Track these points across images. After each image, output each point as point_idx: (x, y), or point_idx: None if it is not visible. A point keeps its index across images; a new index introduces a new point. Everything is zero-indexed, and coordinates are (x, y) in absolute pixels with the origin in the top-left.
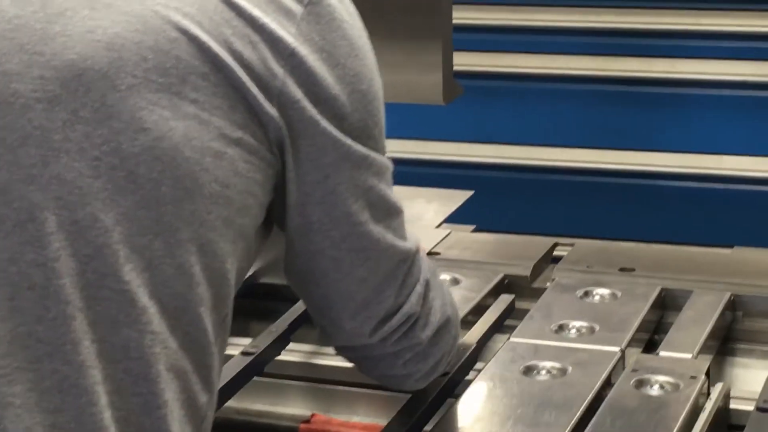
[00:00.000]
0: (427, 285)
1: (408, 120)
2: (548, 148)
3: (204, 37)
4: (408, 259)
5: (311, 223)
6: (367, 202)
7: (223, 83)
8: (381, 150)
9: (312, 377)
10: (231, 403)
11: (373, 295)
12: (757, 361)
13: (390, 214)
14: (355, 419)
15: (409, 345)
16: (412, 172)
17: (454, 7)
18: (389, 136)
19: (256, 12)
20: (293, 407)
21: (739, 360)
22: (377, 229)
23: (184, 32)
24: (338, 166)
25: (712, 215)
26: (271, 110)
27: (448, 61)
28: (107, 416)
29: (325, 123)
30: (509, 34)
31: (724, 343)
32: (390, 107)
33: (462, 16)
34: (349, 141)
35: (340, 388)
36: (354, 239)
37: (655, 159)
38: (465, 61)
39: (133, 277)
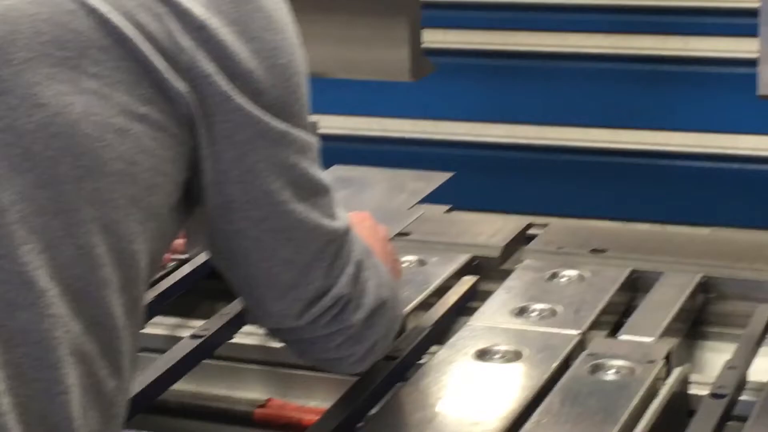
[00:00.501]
0: (359, 266)
1: (404, 98)
2: (562, 127)
3: (104, 8)
4: (337, 240)
5: (230, 202)
6: (289, 180)
7: (126, 57)
8: (304, 126)
9: (268, 361)
10: (185, 386)
11: (299, 276)
12: (728, 345)
13: (316, 192)
14: (312, 404)
15: (340, 328)
16: (400, 151)
17: None
18: (374, 114)
19: None
20: (249, 391)
21: (710, 344)
22: (300, 208)
23: (83, 4)
24: (255, 143)
25: (728, 195)
26: (179, 85)
27: (415, 38)
28: (6, 402)
29: (240, 98)
30: (521, 11)
31: (695, 326)
32: (374, 86)
33: None
34: (267, 117)
35: (297, 372)
36: (275, 219)
37: (670, 138)
38: (468, 39)
39: (31, 259)
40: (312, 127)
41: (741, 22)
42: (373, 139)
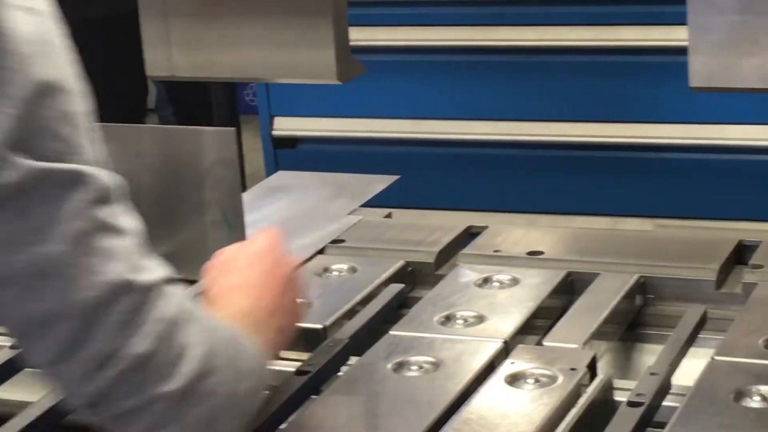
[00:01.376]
0: (173, 325)
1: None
2: (546, 122)
3: None
4: (131, 292)
5: None
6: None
7: None
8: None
9: None
10: None
11: (75, 331)
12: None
13: (102, 234)
14: None
15: (145, 401)
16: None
17: None
18: (344, 115)
19: None
20: None
21: (648, 347)
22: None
23: None
24: None
25: (717, 187)
26: None
27: (342, 38)
28: None
29: None
30: (500, 5)
31: (633, 328)
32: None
33: None
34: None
35: None
36: (24, 263)
37: (657, 131)
38: (450, 36)
39: None
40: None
41: None
42: (355, 141)
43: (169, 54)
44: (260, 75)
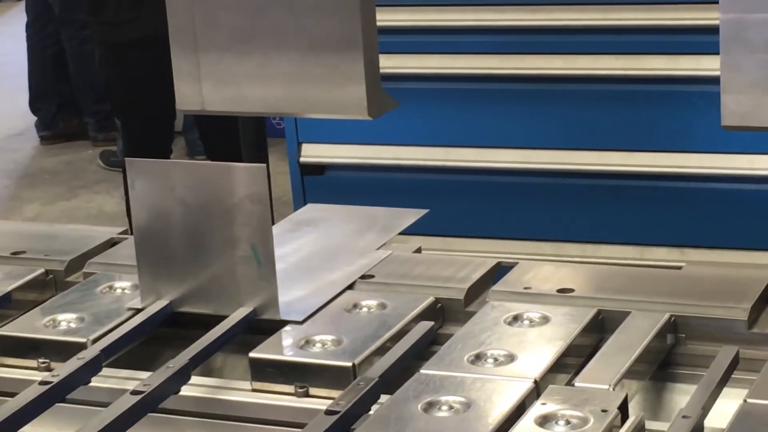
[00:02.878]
0: None
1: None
2: (576, 151)
3: None
4: None
5: None
6: None
7: None
8: None
9: (212, 413)
10: None
11: None
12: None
13: None
14: None
15: None
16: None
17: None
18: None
19: None
20: None
21: (680, 386)
22: None
23: None
24: None
25: (746, 217)
26: None
27: (373, 72)
28: None
29: None
30: (531, 34)
31: (664, 367)
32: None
33: (464, 17)
34: None
35: (240, 424)
36: None
37: (685, 160)
38: (480, 64)
39: None
40: None
41: None
42: (382, 168)
43: (199, 88)
44: (290, 110)
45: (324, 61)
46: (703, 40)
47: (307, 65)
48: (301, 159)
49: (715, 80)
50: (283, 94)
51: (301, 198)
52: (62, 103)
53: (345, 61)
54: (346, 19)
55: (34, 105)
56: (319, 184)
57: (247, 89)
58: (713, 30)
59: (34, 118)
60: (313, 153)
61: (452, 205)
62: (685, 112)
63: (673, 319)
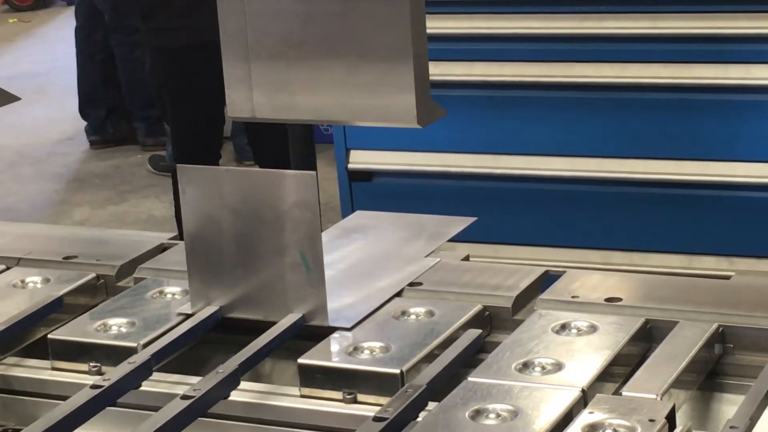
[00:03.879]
0: None
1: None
2: (624, 159)
3: None
4: None
5: None
6: None
7: None
8: None
9: (261, 419)
10: None
11: None
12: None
13: None
14: None
15: None
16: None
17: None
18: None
19: None
20: None
21: (728, 396)
22: None
23: None
24: None
25: None
26: None
27: (422, 80)
28: None
29: None
30: (581, 42)
31: (711, 377)
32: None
33: (512, 25)
34: None
35: (285, 429)
36: None
37: (734, 169)
38: (530, 72)
39: None
40: None
41: None
42: (430, 175)
43: (250, 95)
44: (339, 117)
45: (374, 69)
46: (753, 49)
47: (357, 73)
48: (350, 165)
49: (764, 89)
50: (333, 102)
51: (349, 204)
52: (112, 108)
53: (395, 69)
54: (397, 27)
55: (84, 110)
56: (366, 191)
57: (297, 97)
58: (763, 39)
59: (84, 123)
60: (361, 159)
61: (500, 213)
62: (735, 120)
63: (721, 329)
